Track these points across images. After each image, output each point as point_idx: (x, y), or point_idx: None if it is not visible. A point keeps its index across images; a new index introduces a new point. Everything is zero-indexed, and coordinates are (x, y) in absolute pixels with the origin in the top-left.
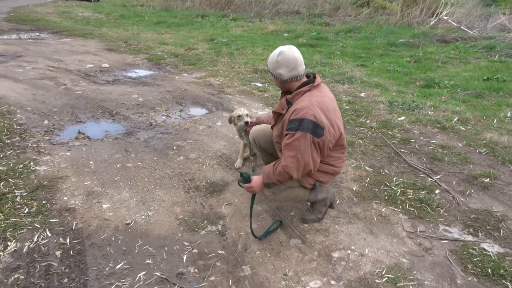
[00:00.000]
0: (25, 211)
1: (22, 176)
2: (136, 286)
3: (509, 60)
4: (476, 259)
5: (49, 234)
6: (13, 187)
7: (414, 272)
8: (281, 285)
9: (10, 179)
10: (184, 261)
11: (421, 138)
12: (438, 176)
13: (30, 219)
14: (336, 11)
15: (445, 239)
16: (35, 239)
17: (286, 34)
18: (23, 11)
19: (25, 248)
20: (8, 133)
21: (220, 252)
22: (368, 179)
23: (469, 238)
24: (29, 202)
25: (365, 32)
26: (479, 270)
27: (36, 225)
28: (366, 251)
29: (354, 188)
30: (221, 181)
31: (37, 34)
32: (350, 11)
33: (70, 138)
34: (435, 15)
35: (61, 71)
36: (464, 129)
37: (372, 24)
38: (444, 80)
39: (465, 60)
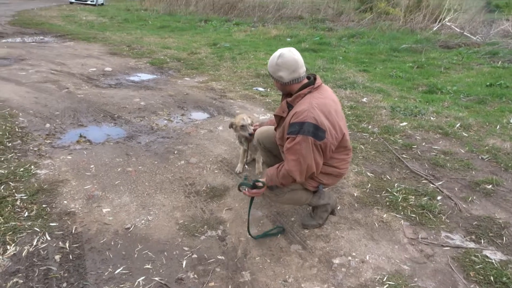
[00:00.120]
0: (25, 215)
1: (22, 179)
2: None
3: None
4: (478, 266)
5: (49, 238)
6: (14, 190)
7: (416, 279)
8: None
9: (10, 183)
10: (184, 266)
11: (423, 144)
12: (440, 182)
13: (29, 223)
14: (339, 16)
15: (447, 246)
16: (34, 243)
17: (289, 39)
18: (27, 15)
19: (24, 252)
20: (9, 136)
21: (220, 257)
22: (370, 184)
23: (471, 245)
24: (29, 206)
25: (367, 37)
26: (481, 277)
27: (35, 228)
28: (367, 257)
29: (355, 194)
30: (221, 186)
31: (41, 37)
32: (353, 16)
33: (72, 141)
34: (438, 20)
35: (64, 74)
36: (466, 135)
37: (375, 29)
38: (447, 86)
39: (468, 66)
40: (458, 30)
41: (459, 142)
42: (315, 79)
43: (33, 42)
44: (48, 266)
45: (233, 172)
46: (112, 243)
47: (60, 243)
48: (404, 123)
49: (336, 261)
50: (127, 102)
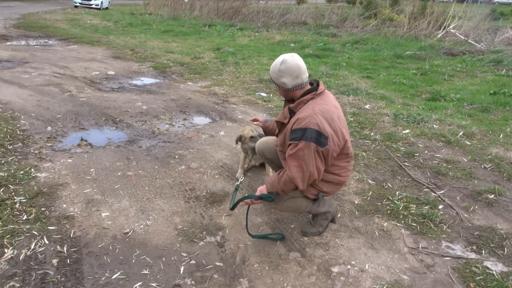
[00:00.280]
0: (24, 218)
1: (22, 182)
2: None
3: None
4: (479, 277)
5: (47, 242)
6: (13, 193)
7: None
8: None
9: (10, 185)
10: (181, 272)
11: (426, 152)
12: (442, 191)
13: (28, 226)
14: (343, 22)
15: (448, 256)
16: (32, 247)
17: (292, 45)
18: (32, 18)
19: (22, 255)
20: (11, 139)
21: (218, 264)
22: (371, 192)
23: (472, 255)
24: (28, 209)
25: (371, 43)
26: None
27: (34, 232)
28: (367, 266)
29: (356, 202)
30: (221, 192)
31: (45, 40)
32: (357, 22)
33: (73, 145)
34: (442, 27)
35: (67, 77)
36: (469, 143)
37: (379, 36)
38: (450, 93)
39: (472, 73)
40: (463, 37)
41: (461, 151)
42: (318, 85)
43: (37, 45)
44: (45, 270)
45: (233, 178)
46: (110, 247)
47: (58, 247)
48: (407, 131)
49: (335, 269)
50: (129, 106)
